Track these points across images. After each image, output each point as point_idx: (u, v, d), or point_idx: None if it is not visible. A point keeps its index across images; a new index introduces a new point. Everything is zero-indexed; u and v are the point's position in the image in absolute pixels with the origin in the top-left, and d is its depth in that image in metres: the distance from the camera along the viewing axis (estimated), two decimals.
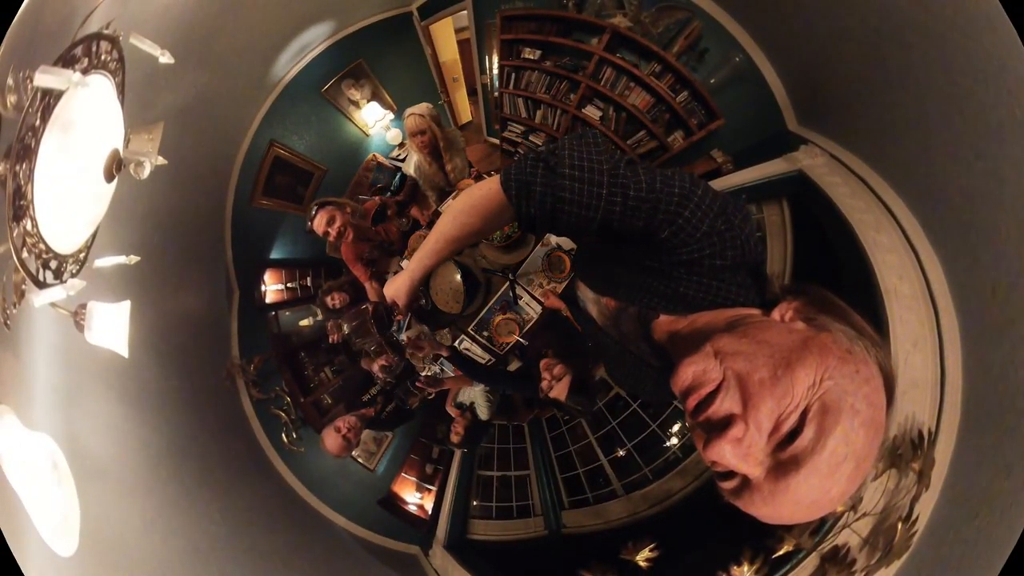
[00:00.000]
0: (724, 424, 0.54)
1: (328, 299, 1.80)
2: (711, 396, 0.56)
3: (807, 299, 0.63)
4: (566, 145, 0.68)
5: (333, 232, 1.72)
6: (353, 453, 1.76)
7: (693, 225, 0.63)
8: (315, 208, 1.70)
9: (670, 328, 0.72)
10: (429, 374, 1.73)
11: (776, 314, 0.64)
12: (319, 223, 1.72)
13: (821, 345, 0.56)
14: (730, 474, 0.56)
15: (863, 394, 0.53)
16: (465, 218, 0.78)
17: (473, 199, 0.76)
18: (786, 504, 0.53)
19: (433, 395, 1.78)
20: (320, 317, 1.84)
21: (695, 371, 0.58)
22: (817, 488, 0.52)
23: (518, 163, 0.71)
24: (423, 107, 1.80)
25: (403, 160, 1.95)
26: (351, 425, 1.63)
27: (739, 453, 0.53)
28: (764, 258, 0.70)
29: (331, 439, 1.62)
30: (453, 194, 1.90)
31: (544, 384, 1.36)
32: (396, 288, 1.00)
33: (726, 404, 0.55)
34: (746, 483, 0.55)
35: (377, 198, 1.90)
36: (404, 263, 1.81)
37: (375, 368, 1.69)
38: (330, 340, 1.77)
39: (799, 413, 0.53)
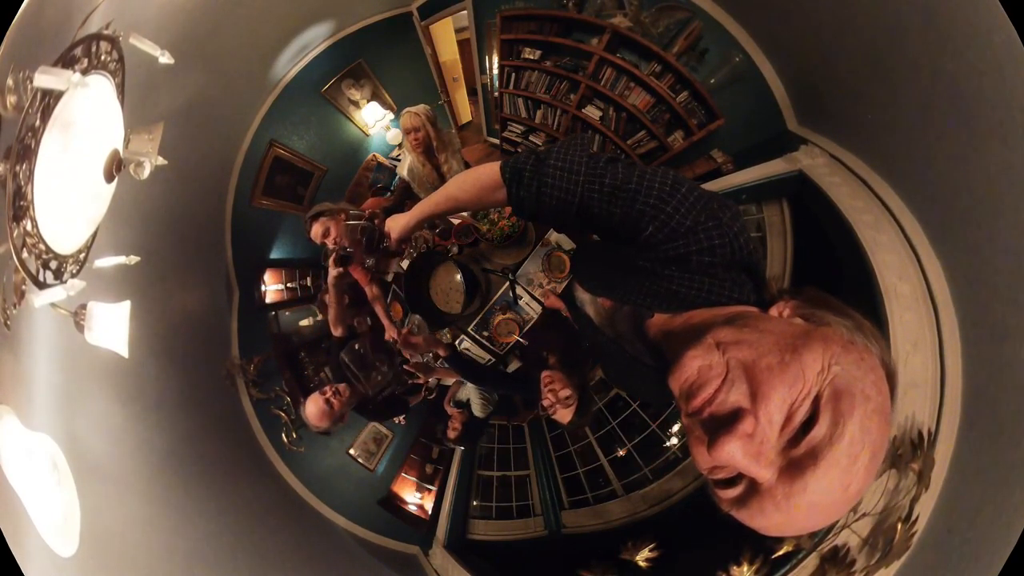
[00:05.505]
0: (731, 419, 0.49)
1: None
2: (715, 391, 0.51)
3: (804, 298, 0.63)
4: (558, 144, 0.78)
5: (329, 243, 1.68)
6: (352, 452, 1.75)
7: (677, 221, 0.64)
8: (308, 220, 1.66)
9: (664, 326, 0.71)
10: (419, 360, 1.69)
11: (774, 311, 0.62)
12: (315, 234, 1.68)
13: (823, 334, 0.54)
14: (733, 481, 0.51)
15: (871, 380, 0.50)
16: (468, 186, 0.90)
17: (477, 174, 0.88)
18: (801, 508, 0.48)
19: (434, 394, 1.76)
20: (320, 317, 1.83)
21: (700, 365, 0.53)
22: (837, 484, 0.47)
23: (516, 155, 0.82)
24: (420, 107, 1.79)
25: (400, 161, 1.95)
26: (337, 390, 1.54)
27: (751, 451, 0.47)
28: (757, 258, 0.68)
29: (312, 403, 1.53)
30: None
31: (546, 403, 1.37)
32: (397, 224, 1.10)
33: (732, 397, 0.50)
34: (753, 489, 0.49)
35: (365, 215, 1.82)
36: (404, 263, 1.81)
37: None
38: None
39: (811, 400, 0.48)
